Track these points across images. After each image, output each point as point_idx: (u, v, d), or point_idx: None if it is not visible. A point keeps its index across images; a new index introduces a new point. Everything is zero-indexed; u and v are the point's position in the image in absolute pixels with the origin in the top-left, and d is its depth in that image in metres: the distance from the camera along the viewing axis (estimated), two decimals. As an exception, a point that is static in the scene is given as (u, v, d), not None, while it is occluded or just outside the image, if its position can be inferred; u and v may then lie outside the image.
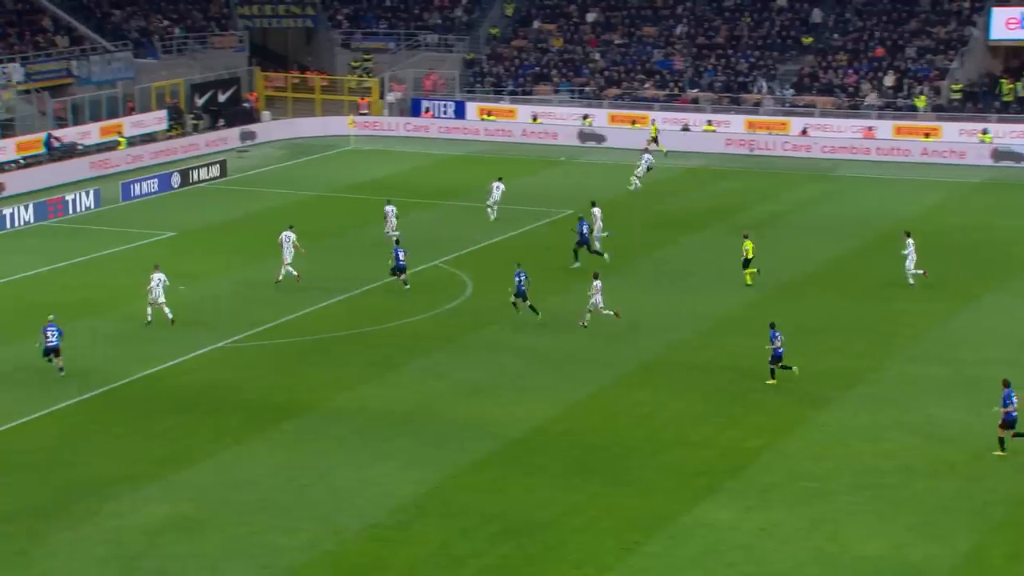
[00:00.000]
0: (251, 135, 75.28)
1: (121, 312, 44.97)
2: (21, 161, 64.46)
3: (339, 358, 41.01)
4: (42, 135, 66.37)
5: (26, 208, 56.74)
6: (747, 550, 29.05)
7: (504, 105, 78.96)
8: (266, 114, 79.28)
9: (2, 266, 49.97)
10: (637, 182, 63.18)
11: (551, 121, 76.59)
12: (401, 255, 46.82)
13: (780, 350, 38.42)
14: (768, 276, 48.22)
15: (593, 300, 42.90)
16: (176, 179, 64.34)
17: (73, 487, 31.77)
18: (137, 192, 62.22)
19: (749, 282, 47.60)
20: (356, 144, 75.01)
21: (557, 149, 72.11)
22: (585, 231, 49.72)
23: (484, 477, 32.66)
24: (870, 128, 72.67)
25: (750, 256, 47.81)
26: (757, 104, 76.69)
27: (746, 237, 48.34)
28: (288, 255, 47.67)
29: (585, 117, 76.21)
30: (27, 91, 68.43)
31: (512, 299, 43.77)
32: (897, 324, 43.48)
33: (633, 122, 75.68)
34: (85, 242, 52.46)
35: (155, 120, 73.02)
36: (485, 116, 78.32)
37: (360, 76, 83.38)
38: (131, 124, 71.10)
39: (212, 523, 30.17)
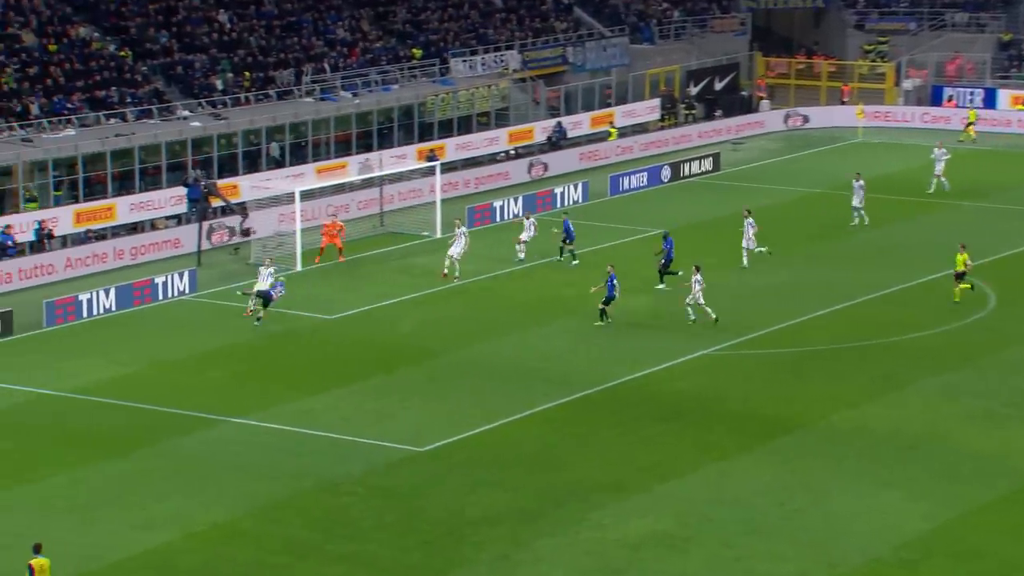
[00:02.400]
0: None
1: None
2: (512, 152, 67.29)
3: (838, 372, 40.76)
4: (535, 124, 69.02)
5: (515, 200, 59.26)
6: None
7: (1047, 92, 75.92)
8: (765, 103, 79.49)
9: (482, 261, 52.32)
10: (944, 181, 60.69)
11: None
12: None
13: None
14: None
15: (694, 294, 43.34)
16: (666, 172, 65.54)
17: (557, 491, 33.09)
18: (625, 186, 63.79)
19: (957, 299, 45.32)
20: (865, 136, 74.09)
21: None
22: (673, 247, 48.36)
23: (1003, 518, 31.67)
24: None
25: (960, 269, 45.48)
26: None
27: (963, 248, 45.89)
28: (457, 249, 49.24)
29: None
30: (522, 79, 71.40)
31: (600, 305, 43.87)
32: None
33: None
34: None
35: (647, 110, 74.58)
36: (1021, 105, 75.44)
37: (873, 61, 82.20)
38: (622, 114, 72.92)
39: (696, 542, 30.70)
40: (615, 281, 44.54)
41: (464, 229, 50.15)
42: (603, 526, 31.35)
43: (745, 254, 50.70)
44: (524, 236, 51.80)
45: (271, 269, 45.78)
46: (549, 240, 52.01)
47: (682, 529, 31.22)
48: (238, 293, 46.41)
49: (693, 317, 44.42)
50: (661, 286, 48.15)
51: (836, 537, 30.80)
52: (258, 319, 44.91)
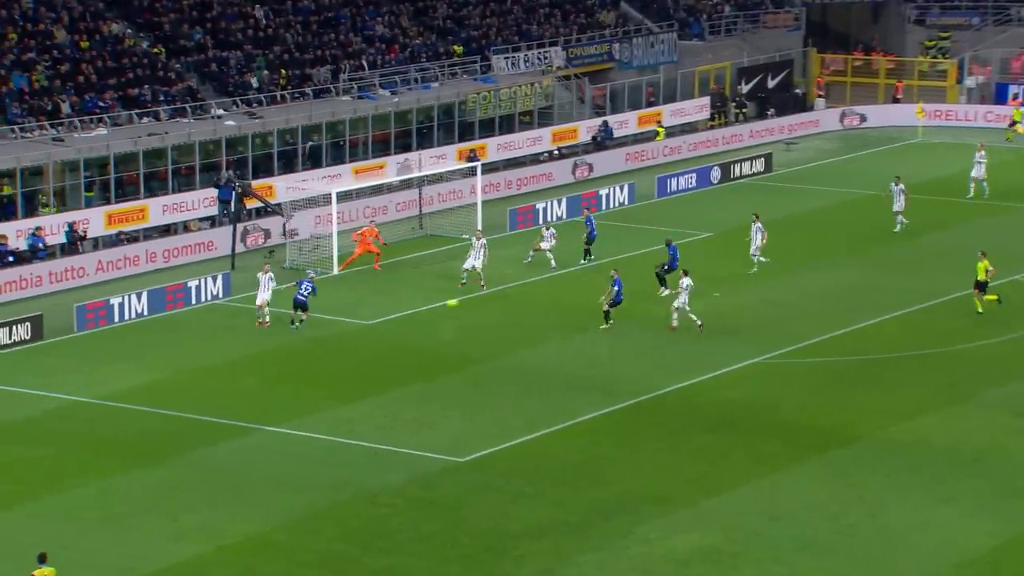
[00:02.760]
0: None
1: (651, 318, 46.27)
2: (556, 152, 67.26)
3: (895, 382, 40.64)
4: (580, 123, 68.99)
5: (559, 203, 59.30)
6: None
7: None
8: (819, 101, 79.27)
9: (524, 266, 52.33)
10: (984, 186, 59.87)
11: None
12: None
13: None
14: None
15: (680, 300, 43.30)
16: (716, 174, 65.48)
17: (602, 504, 33.13)
18: (673, 187, 63.75)
19: (980, 310, 44.76)
20: (924, 136, 73.77)
21: None
22: (677, 255, 48.11)
23: (1068, 534, 31.54)
24: None
25: (982, 278, 44.64)
26: None
27: (983, 256, 45.04)
28: (477, 261, 48.60)
29: None
30: (567, 77, 71.39)
31: (605, 308, 44.01)
32: None
33: None
34: (614, 241, 54.20)
35: (696, 108, 74.46)
36: (1089, 104, 75.00)
37: (934, 57, 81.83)
38: (670, 113, 72.79)
39: (745, 558, 30.66)
40: (620, 285, 44.58)
41: (484, 240, 49.85)
42: (649, 541, 31.36)
43: (756, 261, 50.43)
44: (544, 245, 51.70)
45: (270, 275, 45.63)
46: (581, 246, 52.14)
47: (731, 545, 31.17)
48: (294, 325, 45.58)
49: (700, 322, 44.21)
50: (664, 291, 47.95)
51: (893, 554, 30.70)
52: (294, 323, 45.06)
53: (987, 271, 45.28)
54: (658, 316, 46.35)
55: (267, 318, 45.38)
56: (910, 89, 79.32)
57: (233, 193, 54.05)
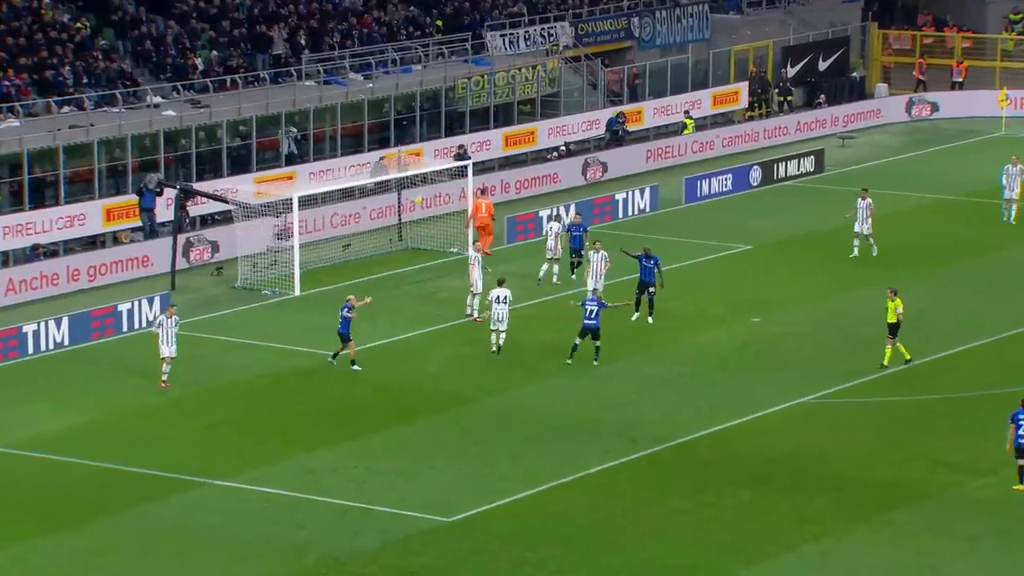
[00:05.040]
0: None
1: (680, 349, 46.57)
2: (563, 148, 67.34)
3: (972, 427, 40.88)
4: (592, 114, 69.31)
5: (566, 209, 59.50)
6: None
7: None
8: (881, 87, 79.62)
9: (525, 285, 52.67)
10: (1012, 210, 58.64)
11: None
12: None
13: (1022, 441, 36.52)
14: None
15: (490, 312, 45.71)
16: (756, 174, 65.81)
17: (616, 574, 33.21)
18: (705, 191, 64.05)
19: (885, 362, 44.50)
20: (1009, 129, 74.03)
21: None
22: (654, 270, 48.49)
23: None
24: None
25: (892, 320, 44.37)
26: None
27: (894, 294, 44.62)
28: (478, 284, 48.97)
29: None
30: (576, 58, 71.65)
31: (576, 339, 44.89)
32: None
33: None
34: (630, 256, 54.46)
35: (732, 96, 74.72)
36: None
37: (1020, 34, 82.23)
38: (700, 101, 72.92)
39: (792, 639, 30.98)
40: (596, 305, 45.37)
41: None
42: (675, 618, 31.74)
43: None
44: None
45: (174, 319, 44.09)
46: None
47: (775, 623, 31.61)
48: (330, 362, 45.54)
49: (495, 349, 45.67)
50: (650, 319, 48.46)
51: (967, 633, 31.09)
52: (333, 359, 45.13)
53: (898, 313, 44.57)
54: (687, 345, 46.63)
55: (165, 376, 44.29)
56: (988, 72, 79.49)
57: (155, 199, 54.20)
